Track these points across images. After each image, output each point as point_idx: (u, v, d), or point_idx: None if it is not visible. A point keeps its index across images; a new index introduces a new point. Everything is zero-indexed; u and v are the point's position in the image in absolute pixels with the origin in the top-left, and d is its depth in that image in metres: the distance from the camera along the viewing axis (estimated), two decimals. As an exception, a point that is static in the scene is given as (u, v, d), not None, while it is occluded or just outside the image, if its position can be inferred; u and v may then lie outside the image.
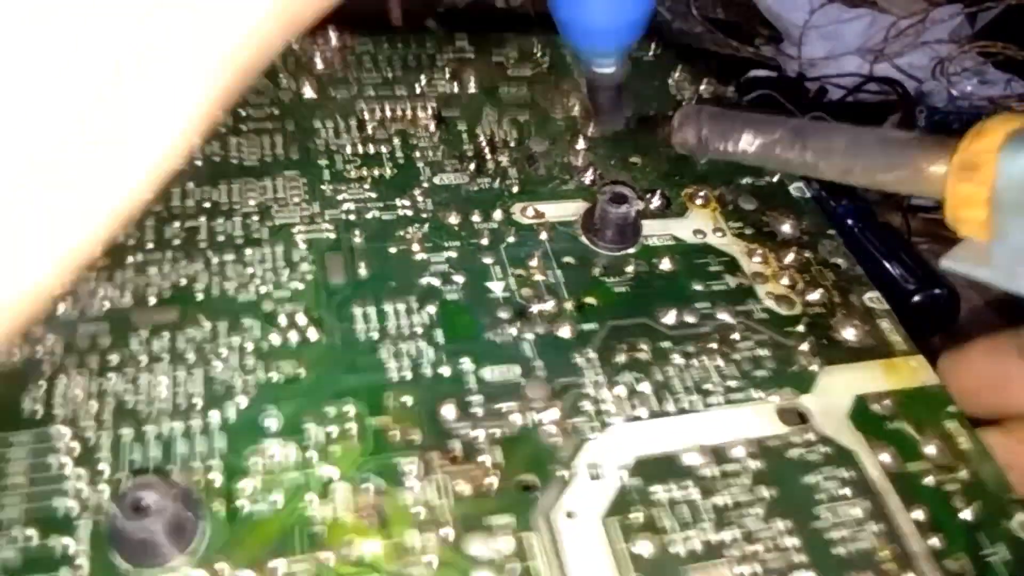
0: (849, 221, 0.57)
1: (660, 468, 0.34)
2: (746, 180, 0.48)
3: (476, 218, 0.43)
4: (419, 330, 0.38)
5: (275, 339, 0.36)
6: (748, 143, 0.41)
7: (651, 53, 0.58)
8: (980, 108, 0.69)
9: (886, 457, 0.35)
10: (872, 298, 0.42)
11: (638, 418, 0.36)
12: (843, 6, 0.77)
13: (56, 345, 0.35)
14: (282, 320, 0.37)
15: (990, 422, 0.37)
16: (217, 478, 0.32)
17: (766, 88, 0.68)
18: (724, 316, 0.40)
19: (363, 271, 0.39)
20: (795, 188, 0.48)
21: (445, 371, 0.36)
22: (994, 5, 0.73)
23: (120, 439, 0.32)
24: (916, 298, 0.54)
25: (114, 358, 0.35)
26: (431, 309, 0.38)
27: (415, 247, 0.41)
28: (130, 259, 0.39)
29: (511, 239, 0.42)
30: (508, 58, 0.55)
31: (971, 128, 0.32)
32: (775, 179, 0.48)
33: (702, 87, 0.55)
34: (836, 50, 0.78)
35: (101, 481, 0.31)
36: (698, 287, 0.41)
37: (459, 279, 0.40)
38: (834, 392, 0.38)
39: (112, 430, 0.33)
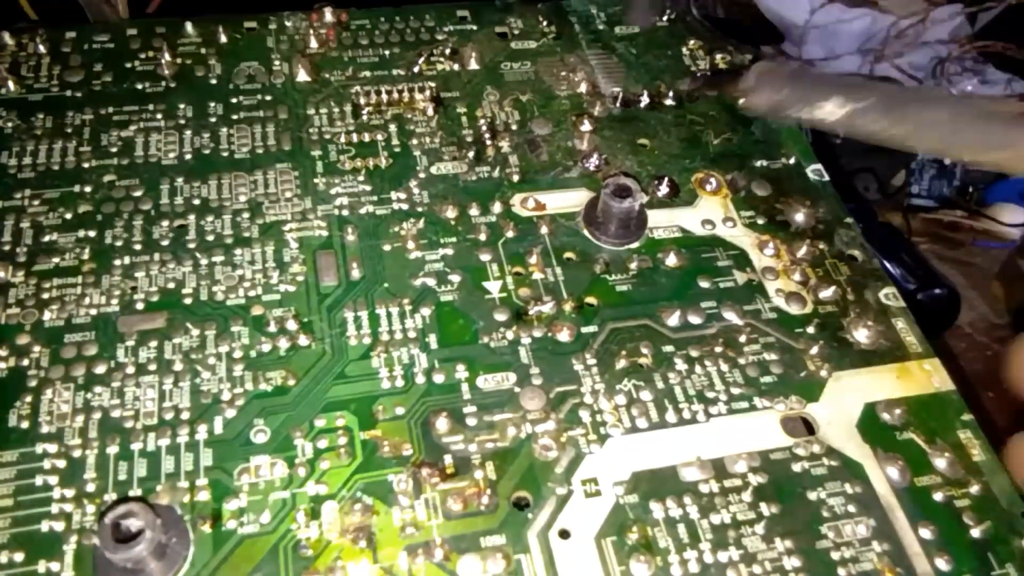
0: (849, 220, 0.56)
1: (658, 484, 0.33)
2: (760, 162, 0.46)
3: (474, 211, 0.41)
4: (412, 335, 0.37)
5: (264, 346, 0.36)
6: (834, 108, 0.38)
7: (664, 19, 0.55)
8: (980, 108, 0.68)
9: (894, 471, 0.34)
10: (888, 295, 0.40)
11: (637, 429, 0.34)
12: (843, 6, 0.75)
13: (42, 357, 0.34)
14: (272, 326, 0.36)
15: None
16: (204, 496, 0.31)
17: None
18: (731, 316, 0.38)
19: (356, 272, 0.38)
20: (812, 171, 0.46)
21: (439, 379, 0.35)
22: (994, 5, 0.70)
23: (106, 456, 0.32)
24: (917, 297, 0.53)
25: (100, 369, 0.34)
26: (425, 312, 0.37)
27: (410, 244, 0.39)
28: (117, 261, 0.38)
29: (510, 234, 0.40)
30: (512, 29, 0.52)
31: None
32: (791, 161, 0.46)
33: (718, 57, 0.52)
34: (836, 50, 0.76)
35: (87, 501, 0.31)
36: (705, 284, 0.40)
37: (455, 279, 0.39)
38: (843, 400, 0.36)
39: (98, 447, 0.32)
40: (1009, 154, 0.33)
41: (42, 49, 0.45)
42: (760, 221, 0.43)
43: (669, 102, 0.48)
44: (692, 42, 0.53)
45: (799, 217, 0.43)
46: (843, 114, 0.38)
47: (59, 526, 0.30)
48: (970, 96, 0.35)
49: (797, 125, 0.42)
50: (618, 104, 0.48)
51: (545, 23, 0.53)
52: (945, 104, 0.35)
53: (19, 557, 0.29)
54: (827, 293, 0.40)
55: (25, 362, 0.34)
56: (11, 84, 0.43)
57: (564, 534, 0.31)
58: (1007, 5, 0.68)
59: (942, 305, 0.53)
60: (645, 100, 0.48)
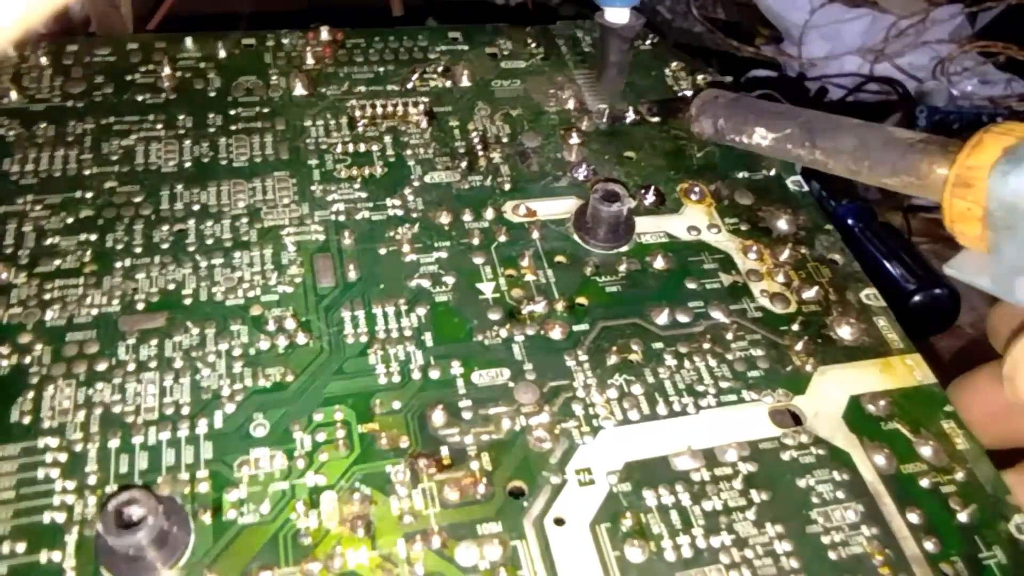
0: (849, 221, 0.57)
1: (651, 473, 0.34)
2: (742, 174, 0.47)
3: (467, 217, 0.42)
4: (408, 333, 0.37)
5: (263, 344, 0.36)
6: (761, 137, 0.41)
7: (647, 43, 0.57)
8: (980, 108, 0.69)
9: (881, 459, 0.35)
10: (868, 295, 0.41)
11: (629, 421, 0.35)
12: (843, 6, 0.77)
13: (44, 354, 0.35)
14: (270, 325, 0.37)
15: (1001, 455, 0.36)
16: (204, 488, 0.32)
17: (767, 88, 0.68)
18: (718, 315, 0.40)
19: (352, 274, 0.39)
20: (792, 182, 0.47)
21: (434, 375, 0.36)
22: (994, 5, 0.72)
23: (107, 449, 0.32)
24: (917, 297, 0.54)
25: (101, 366, 0.35)
26: (421, 311, 0.38)
27: (405, 248, 0.40)
28: (119, 264, 0.38)
29: (502, 238, 0.42)
30: (502, 50, 0.54)
31: (973, 135, 0.32)
32: (772, 173, 0.48)
33: (699, 79, 0.54)
34: (836, 50, 0.78)
35: (88, 493, 0.31)
36: (692, 285, 0.41)
37: (449, 280, 0.40)
38: (829, 393, 0.37)
39: (99, 441, 0.32)
40: (905, 178, 0.35)
41: (44, 61, 0.47)
42: (743, 228, 0.44)
43: (653, 119, 0.50)
44: (674, 63, 0.55)
45: (781, 224, 0.45)
46: (770, 142, 0.41)
47: (60, 517, 0.30)
48: (877, 124, 0.38)
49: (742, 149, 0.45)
50: (605, 120, 0.50)
51: (533, 45, 0.55)
52: (852, 132, 0.38)
53: (21, 548, 0.29)
54: (810, 293, 0.41)
55: (27, 359, 0.34)
56: (13, 94, 0.44)
57: (559, 521, 0.32)
58: (1007, 5, 0.70)
59: (942, 305, 0.54)
60: (631, 116, 0.50)
